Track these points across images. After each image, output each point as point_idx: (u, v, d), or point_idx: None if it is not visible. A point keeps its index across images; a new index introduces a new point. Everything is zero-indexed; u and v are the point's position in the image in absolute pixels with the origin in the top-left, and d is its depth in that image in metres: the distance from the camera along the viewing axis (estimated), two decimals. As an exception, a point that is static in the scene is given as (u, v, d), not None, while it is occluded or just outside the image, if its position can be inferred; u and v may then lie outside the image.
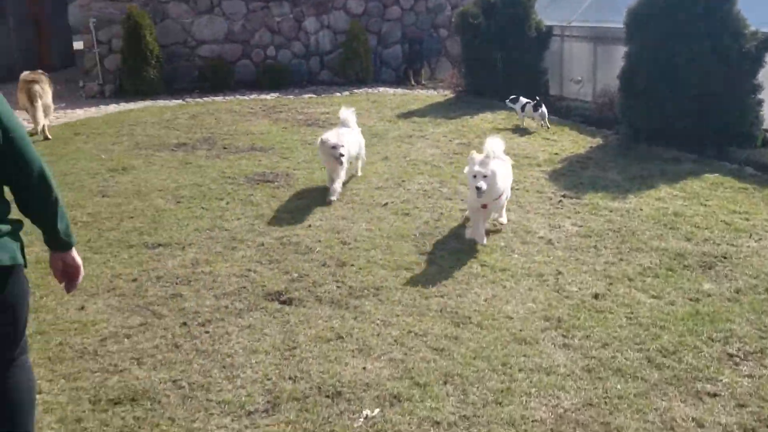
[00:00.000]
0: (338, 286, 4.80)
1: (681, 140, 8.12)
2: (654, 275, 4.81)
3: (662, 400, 3.40)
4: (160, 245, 5.62)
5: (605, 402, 3.42)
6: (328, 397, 3.50)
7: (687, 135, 8.08)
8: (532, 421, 3.30)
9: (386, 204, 6.59)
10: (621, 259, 5.12)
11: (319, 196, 6.86)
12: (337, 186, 6.68)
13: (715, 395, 3.40)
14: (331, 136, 6.70)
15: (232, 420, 3.35)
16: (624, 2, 9.69)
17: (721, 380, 3.52)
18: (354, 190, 7.03)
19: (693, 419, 3.23)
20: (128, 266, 5.21)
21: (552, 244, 5.50)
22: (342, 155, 6.56)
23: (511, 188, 6.92)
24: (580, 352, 3.88)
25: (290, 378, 3.66)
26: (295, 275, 5.00)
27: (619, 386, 3.54)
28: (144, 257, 5.38)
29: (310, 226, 6.05)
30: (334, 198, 6.62)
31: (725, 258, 5.02)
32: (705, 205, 6.22)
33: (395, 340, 4.07)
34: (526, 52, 11.66)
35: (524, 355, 3.87)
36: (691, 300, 4.42)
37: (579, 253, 5.29)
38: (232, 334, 4.15)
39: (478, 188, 5.21)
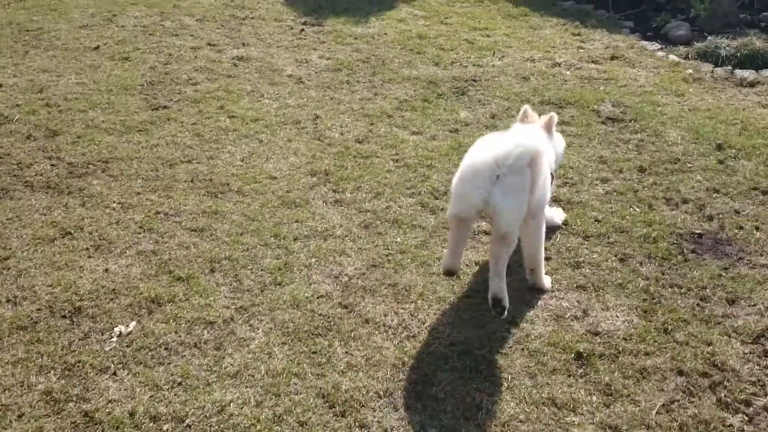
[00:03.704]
0: (53, 165, 3.88)
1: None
2: (411, 108, 4.58)
3: (443, 247, 3.25)
4: None
5: (388, 260, 3.18)
6: (64, 317, 2.81)
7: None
8: (318, 298, 2.97)
9: (98, 47, 5.46)
10: (376, 94, 4.80)
11: (7, 43, 5.46)
12: None
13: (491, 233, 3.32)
14: None
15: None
16: None
17: (496, 216, 3.44)
18: (52, 32, 5.72)
19: (476, 263, 3.13)
20: None
21: (303, 83, 4.98)
22: None
23: (245, 18, 6.17)
24: (354, 207, 3.57)
25: (8, 300, 2.87)
26: (-7, 158, 3.94)
27: (398, 239, 3.31)
28: None
29: (0, 86, 4.80)
30: None
31: (475, 81, 4.93)
32: (446, 23, 6.05)
33: (141, 227, 3.40)
34: None
35: (296, 221, 3.46)
36: (451, 132, 4.28)
37: (333, 91, 4.85)
38: None
39: None
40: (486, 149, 2.61)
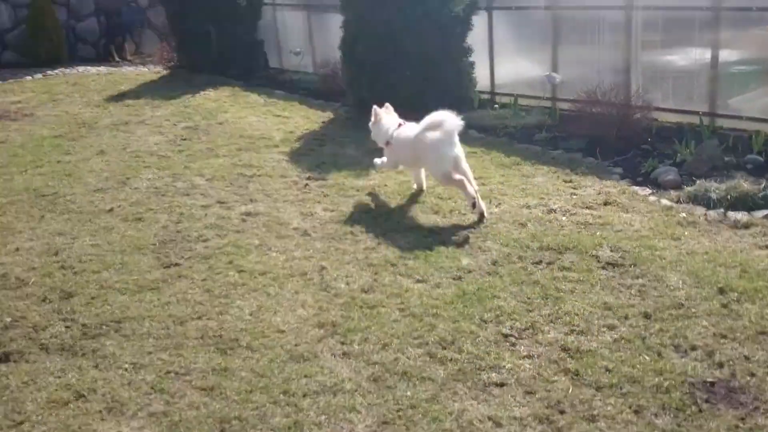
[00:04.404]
0: (68, 327, 3.94)
1: (407, 107, 8.23)
2: (414, 257, 4.71)
3: (454, 401, 3.24)
4: None
5: (399, 416, 3.16)
6: (78, 487, 2.76)
7: (412, 102, 8.21)
8: (331, 458, 2.92)
9: (111, 209, 5.68)
10: (379, 243, 4.95)
11: (24, 208, 5.68)
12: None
13: (502, 385, 3.33)
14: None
15: None
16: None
17: (504, 366, 3.47)
18: (67, 196, 5.97)
19: (489, 418, 3.11)
20: None
21: (309, 235, 5.14)
22: None
23: (253, 175, 6.45)
24: (362, 360, 3.59)
25: (21, 471, 2.84)
26: (9, 320, 4.02)
27: (409, 393, 3.31)
28: None
29: (17, 249, 4.96)
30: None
31: (474, 228, 5.09)
32: (443, 174, 6.31)
33: (152, 387, 3.41)
34: (238, 23, 11.12)
35: (306, 376, 3.47)
36: (454, 279, 4.37)
37: (338, 242, 5.01)
38: (-73, 425, 3.14)
39: None
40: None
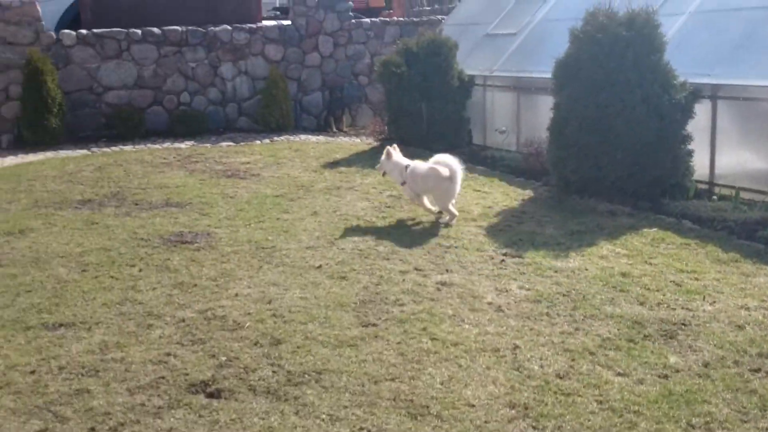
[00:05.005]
0: (274, 371, 4.23)
1: (614, 192, 8.02)
2: (615, 348, 4.49)
3: (655, 506, 2.99)
4: (62, 325, 4.91)
5: None
6: None
7: (620, 187, 7.99)
8: None
9: (320, 266, 6.07)
10: (577, 329, 4.78)
11: (245, 258, 6.27)
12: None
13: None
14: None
15: None
16: (544, 52, 9.71)
17: (715, 479, 3.15)
18: (283, 251, 6.49)
19: None
20: (25, 354, 4.48)
21: (502, 311, 5.12)
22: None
23: (450, 246, 6.57)
24: (555, 448, 3.45)
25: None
26: (224, 359, 4.40)
27: (604, 490, 3.11)
28: (43, 341, 4.65)
29: (237, 295, 5.46)
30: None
31: (684, 325, 4.76)
32: (650, 263, 6.02)
33: (345, 441, 3.53)
34: (449, 101, 11.55)
35: (494, 454, 3.40)
36: (660, 377, 4.10)
37: (532, 322, 4.92)
38: (151, 443, 3.51)
39: None
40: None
